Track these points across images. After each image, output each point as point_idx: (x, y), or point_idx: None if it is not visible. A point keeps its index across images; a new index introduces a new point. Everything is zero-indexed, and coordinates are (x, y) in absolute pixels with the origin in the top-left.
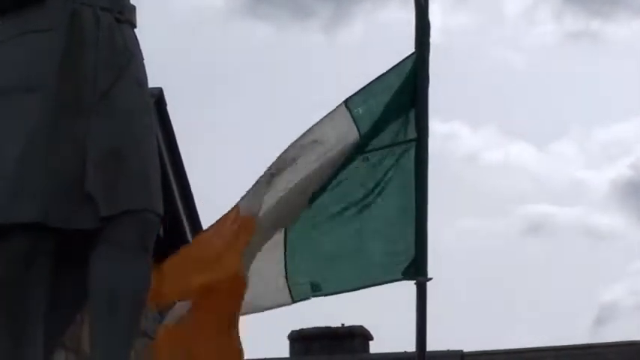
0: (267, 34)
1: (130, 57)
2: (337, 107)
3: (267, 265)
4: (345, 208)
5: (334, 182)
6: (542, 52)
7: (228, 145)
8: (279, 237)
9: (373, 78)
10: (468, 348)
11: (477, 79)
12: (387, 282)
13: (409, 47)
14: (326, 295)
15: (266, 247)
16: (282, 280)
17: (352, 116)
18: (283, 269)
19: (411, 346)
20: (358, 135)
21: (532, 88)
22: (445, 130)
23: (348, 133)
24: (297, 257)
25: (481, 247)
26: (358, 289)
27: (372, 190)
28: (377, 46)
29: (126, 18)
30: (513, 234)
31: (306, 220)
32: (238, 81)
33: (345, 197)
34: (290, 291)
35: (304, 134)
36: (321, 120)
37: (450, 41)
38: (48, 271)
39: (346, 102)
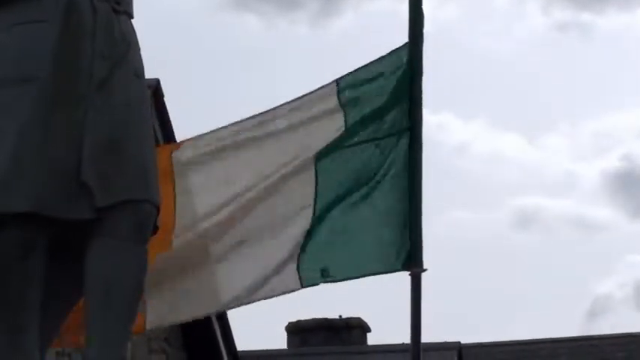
0: (254, 26)
1: (127, 47)
2: (328, 84)
3: (270, 251)
4: (351, 194)
5: (343, 165)
6: (531, 44)
7: None
8: (293, 225)
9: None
10: (465, 340)
11: (466, 70)
12: (385, 272)
13: (398, 38)
14: (334, 281)
15: (267, 233)
16: (292, 266)
17: (339, 97)
18: (296, 256)
19: (408, 338)
20: (343, 119)
21: (521, 79)
22: (435, 121)
23: (333, 112)
24: (311, 242)
25: (472, 239)
26: (359, 277)
27: (372, 179)
28: (366, 38)
29: (123, 9)
30: (504, 226)
31: (323, 204)
32: (229, 73)
33: (353, 183)
34: (300, 277)
35: (285, 104)
36: (309, 94)
37: (439, 33)
38: (44, 262)
39: (337, 81)
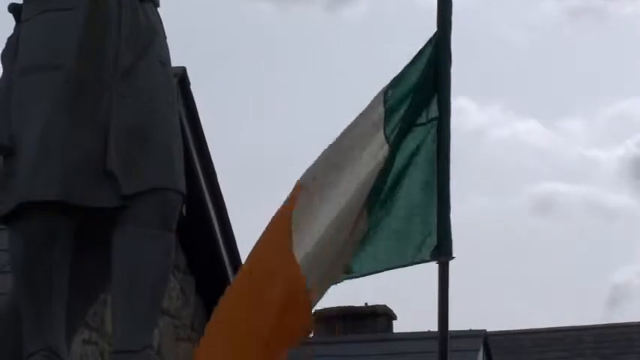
0: (268, 13)
1: (152, 35)
2: (376, 96)
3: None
4: (379, 190)
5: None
6: (545, 28)
7: (250, 124)
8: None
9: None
10: (490, 328)
11: (481, 55)
12: (415, 263)
13: (413, 25)
14: (357, 277)
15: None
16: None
17: (385, 108)
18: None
19: (434, 326)
20: (383, 128)
21: (536, 64)
22: (452, 107)
23: (377, 123)
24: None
25: (490, 225)
26: (387, 269)
27: (401, 171)
28: (380, 25)
29: None
30: (523, 212)
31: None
32: (249, 61)
33: (379, 179)
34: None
35: (345, 132)
36: (361, 113)
37: (453, 18)
38: (70, 250)
39: (385, 92)
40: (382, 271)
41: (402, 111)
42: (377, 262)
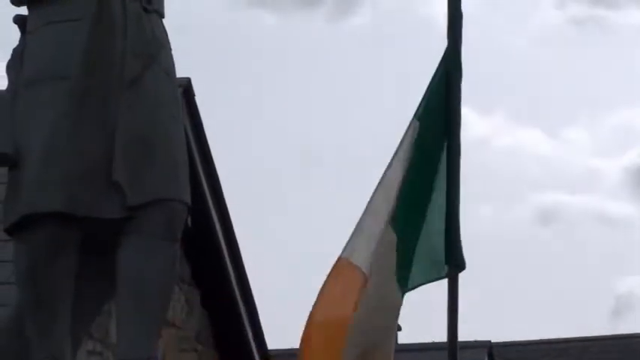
0: (271, 23)
1: (158, 46)
2: (410, 123)
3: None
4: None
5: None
6: (548, 37)
7: (253, 132)
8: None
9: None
10: (495, 338)
11: (484, 64)
12: (437, 279)
13: (417, 36)
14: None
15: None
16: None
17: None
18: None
19: (440, 337)
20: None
21: (538, 73)
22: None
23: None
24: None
25: (493, 235)
26: (415, 288)
27: (418, 186)
28: (384, 35)
29: (154, 8)
30: (526, 222)
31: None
32: (251, 71)
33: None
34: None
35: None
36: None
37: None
38: (74, 260)
39: (416, 115)
40: (412, 289)
41: (426, 128)
42: (410, 280)
